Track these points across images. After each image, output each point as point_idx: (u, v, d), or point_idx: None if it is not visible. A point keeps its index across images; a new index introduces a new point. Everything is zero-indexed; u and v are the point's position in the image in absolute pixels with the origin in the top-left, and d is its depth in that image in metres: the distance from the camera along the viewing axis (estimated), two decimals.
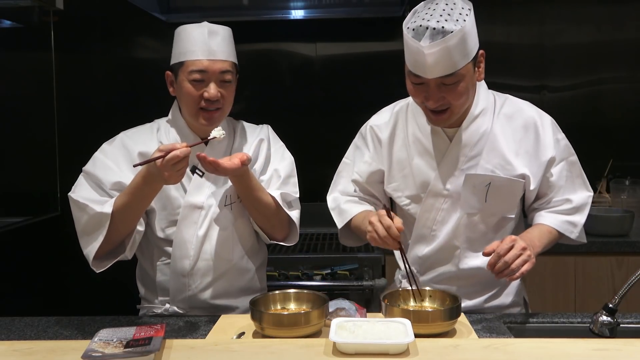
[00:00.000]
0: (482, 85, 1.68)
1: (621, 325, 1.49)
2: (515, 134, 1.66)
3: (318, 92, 3.32)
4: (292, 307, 1.58)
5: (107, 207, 1.57)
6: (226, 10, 3.18)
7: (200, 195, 1.74)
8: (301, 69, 3.32)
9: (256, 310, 1.46)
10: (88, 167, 1.71)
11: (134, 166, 1.53)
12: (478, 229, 1.68)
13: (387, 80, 3.04)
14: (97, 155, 1.73)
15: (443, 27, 1.46)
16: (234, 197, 1.76)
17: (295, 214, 1.78)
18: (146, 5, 3.00)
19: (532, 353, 1.28)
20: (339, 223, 1.81)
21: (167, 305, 1.76)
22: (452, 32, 1.45)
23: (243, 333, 1.50)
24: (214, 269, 1.75)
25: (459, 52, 1.48)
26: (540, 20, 3.23)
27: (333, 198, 1.86)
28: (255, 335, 1.48)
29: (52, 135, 2.54)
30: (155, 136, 1.78)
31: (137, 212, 1.62)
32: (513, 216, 1.69)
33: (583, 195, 1.74)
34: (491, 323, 1.59)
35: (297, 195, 1.81)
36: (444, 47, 1.45)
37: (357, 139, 1.85)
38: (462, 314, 1.54)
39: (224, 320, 1.63)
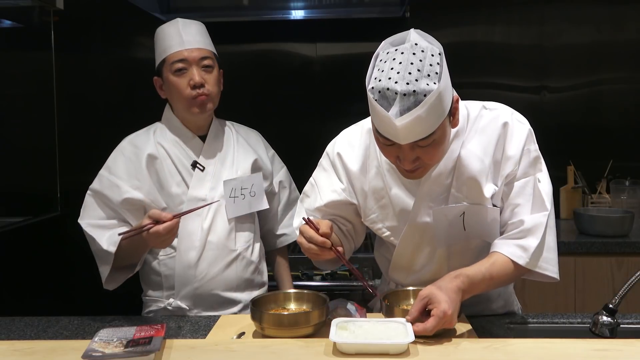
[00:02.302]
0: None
1: (621, 326, 1.49)
2: (488, 148, 1.50)
3: (318, 93, 3.32)
4: (292, 307, 1.58)
5: (112, 247, 1.63)
6: (226, 10, 3.19)
7: (203, 189, 1.80)
8: (301, 69, 3.32)
9: (256, 310, 1.46)
10: (95, 185, 1.77)
11: (119, 234, 1.57)
12: (463, 256, 1.57)
13: None
14: (103, 173, 1.78)
15: (414, 90, 1.25)
16: (237, 192, 1.82)
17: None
18: (146, 5, 3.00)
19: (532, 353, 1.28)
20: None
21: (171, 300, 1.78)
22: (425, 95, 1.26)
23: (243, 333, 1.50)
24: (219, 259, 1.80)
25: (434, 114, 1.29)
26: (541, 21, 3.24)
27: (299, 222, 1.63)
28: (256, 335, 1.48)
29: (52, 135, 2.53)
30: (152, 138, 1.82)
31: (140, 253, 1.71)
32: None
33: (538, 215, 1.49)
34: (491, 323, 1.59)
35: (298, 193, 1.94)
36: (417, 115, 1.26)
37: (324, 161, 1.67)
38: (463, 314, 1.54)
39: (224, 320, 1.63)
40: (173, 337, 1.51)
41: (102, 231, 1.69)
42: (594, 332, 1.47)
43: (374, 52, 1.38)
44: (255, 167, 1.90)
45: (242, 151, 1.90)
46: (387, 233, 1.61)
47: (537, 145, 1.54)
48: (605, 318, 1.47)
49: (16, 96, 2.44)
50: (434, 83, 1.27)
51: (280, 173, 2.02)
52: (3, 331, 1.58)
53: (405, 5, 2.99)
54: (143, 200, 1.74)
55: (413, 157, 1.37)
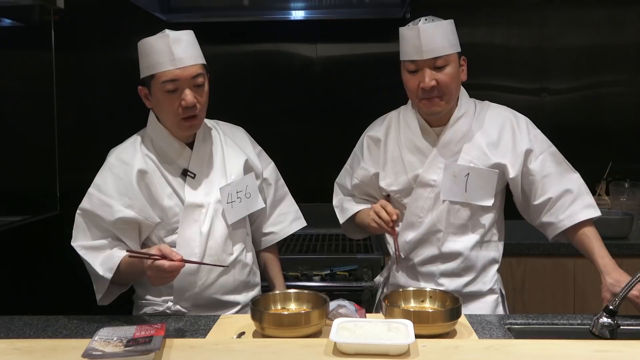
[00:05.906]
0: (464, 94, 1.88)
1: (621, 327, 1.49)
2: (493, 132, 1.84)
3: (318, 94, 3.32)
4: (293, 307, 1.58)
5: (108, 273, 1.64)
6: (226, 10, 3.18)
7: (199, 195, 1.77)
8: (301, 70, 3.32)
9: (257, 310, 1.46)
10: (85, 205, 1.71)
11: (127, 252, 1.58)
12: (459, 215, 1.83)
13: (387, 81, 3.03)
14: (92, 191, 1.72)
15: (433, 19, 1.76)
16: (234, 197, 1.79)
17: (292, 215, 2.01)
18: (147, 5, 3.00)
19: (532, 354, 1.28)
20: (341, 219, 2.04)
21: (170, 304, 1.76)
22: (441, 21, 1.75)
23: (243, 333, 1.50)
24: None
25: (448, 38, 1.75)
26: (541, 23, 3.24)
27: (338, 199, 2.09)
28: (256, 335, 1.48)
29: (52, 135, 2.53)
30: (139, 151, 1.77)
31: (137, 278, 1.75)
32: (490, 205, 1.82)
33: (573, 177, 1.84)
34: (491, 324, 1.59)
35: (287, 189, 2.01)
36: (436, 27, 1.73)
37: (356, 148, 2.04)
38: (463, 315, 1.54)
39: (224, 320, 1.63)
40: (173, 336, 1.51)
41: (96, 254, 1.68)
42: (594, 333, 1.48)
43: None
44: (247, 168, 1.87)
45: (231, 153, 1.87)
46: (398, 194, 1.89)
47: (538, 130, 1.87)
48: (605, 319, 1.47)
49: (16, 95, 2.44)
50: (448, 20, 1.77)
51: (267, 170, 1.97)
52: (3, 330, 1.58)
53: (406, 7, 2.99)
54: (136, 218, 1.70)
55: (432, 77, 1.74)
